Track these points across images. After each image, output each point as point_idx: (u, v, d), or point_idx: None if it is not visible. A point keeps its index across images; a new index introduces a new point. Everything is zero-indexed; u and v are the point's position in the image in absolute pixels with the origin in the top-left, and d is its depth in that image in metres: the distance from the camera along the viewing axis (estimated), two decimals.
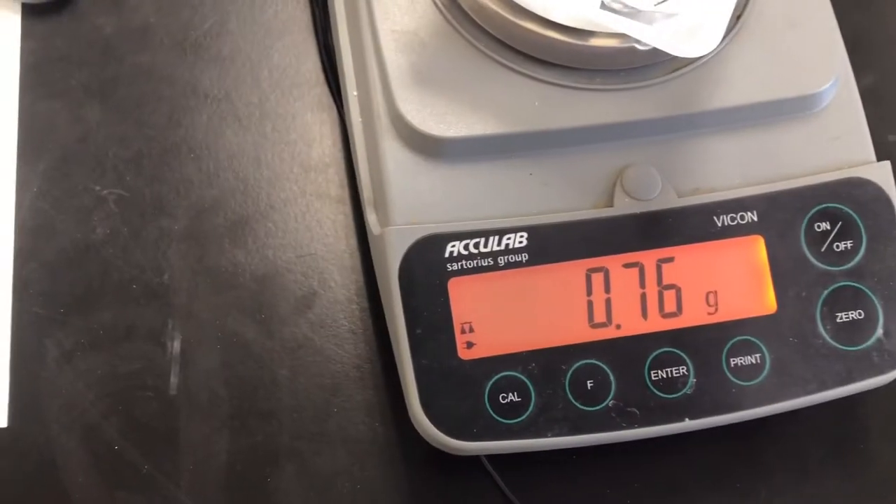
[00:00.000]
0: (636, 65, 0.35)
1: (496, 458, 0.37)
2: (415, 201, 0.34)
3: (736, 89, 0.35)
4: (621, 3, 0.33)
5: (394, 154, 0.34)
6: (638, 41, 0.31)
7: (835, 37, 0.36)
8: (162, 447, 0.38)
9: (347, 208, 0.42)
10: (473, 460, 0.38)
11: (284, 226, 0.41)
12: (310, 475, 0.38)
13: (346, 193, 0.42)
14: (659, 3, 0.33)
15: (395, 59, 0.35)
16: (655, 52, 0.34)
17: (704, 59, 0.35)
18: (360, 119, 0.36)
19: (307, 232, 0.41)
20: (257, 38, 0.45)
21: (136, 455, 0.38)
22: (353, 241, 0.41)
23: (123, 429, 0.38)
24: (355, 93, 0.37)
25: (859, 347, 0.35)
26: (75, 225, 0.41)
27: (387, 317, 0.35)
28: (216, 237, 0.41)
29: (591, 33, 0.34)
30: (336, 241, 0.41)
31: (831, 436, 0.39)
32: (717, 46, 0.35)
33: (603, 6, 0.34)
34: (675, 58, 0.35)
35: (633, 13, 0.33)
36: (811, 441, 0.38)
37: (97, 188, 0.42)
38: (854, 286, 0.35)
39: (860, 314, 0.35)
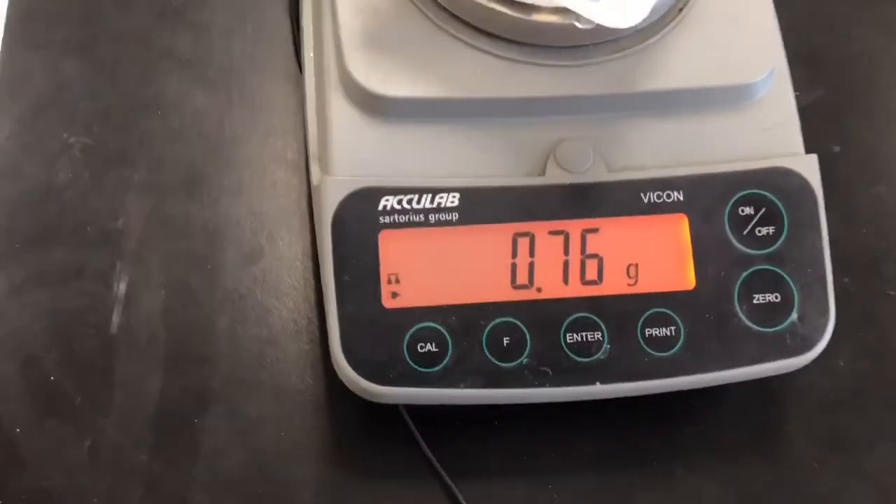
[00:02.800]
0: (578, 43, 0.36)
1: (418, 418, 0.38)
2: (355, 156, 0.36)
3: (673, 75, 0.37)
4: None
5: (340, 110, 0.36)
6: (571, 12, 0.33)
7: (772, 32, 0.38)
8: (96, 382, 0.39)
9: (302, 173, 0.43)
10: (398, 419, 0.39)
11: (239, 184, 0.43)
12: (236, 419, 0.39)
13: (301, 159, 0.44)
14: None
15: (349, 23, 0.36)
16: (596, 32, 0.35)
17: (645, 45, 0.37)
18: (313, 79, 0.38)
19: (261, 192, 0.43)
20: (235, 9, 0.47)
21: (71, 387, 0.39)
22: (304, 204, 0.43)
23: (62, 361, 0.39)
24: (311, 54, 0.38)
25: (774, 329, 0.36)
26: (40, 168, 0.43)
27: (320, 264, 0.36)
28: (172, 189, 0.43)
29: (533, 8, 0.35)
30: (288, 203, 0.43)
31: (750, 421, 0.39)
32: (658, 35, 0.37)
33: None
34: (617, 40, 0.37)
35: None
36: (730, 424, 0.39)
37: (65, 135, 0.43)
38: (773, 270, 0.36)
39: (777, 297, 0.36)
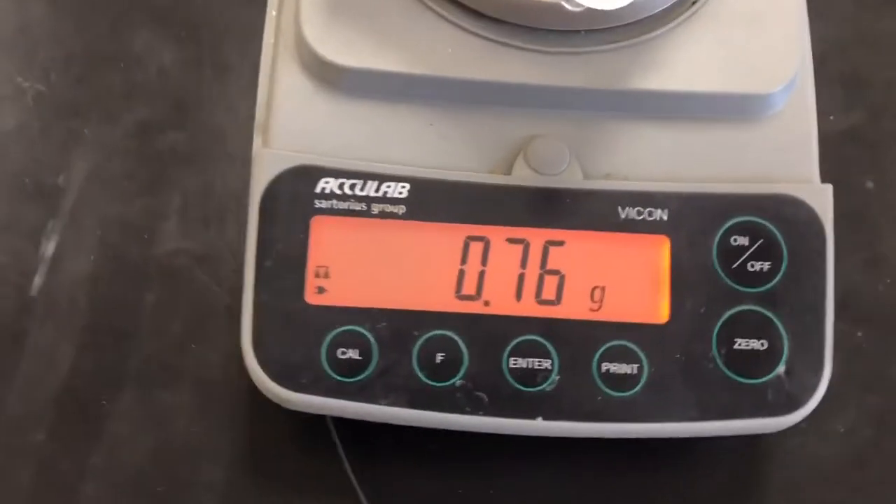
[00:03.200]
0: (567, 27, 0.32)
1: (349, 428, 0.34)
2: (300, 128, 0.32)
3: (673, 75, 0.32)
4: None
5: (289, 76, 0.32)
6: None
7: (797, 39, 0.33)
8: (6, 346, 0.36)
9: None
10: (322, 429, 0.35)
11: (195, 151, 0.39)
12: (148, 407, 0.35)
13: None
14: None
15: None
16: (589, 17, 0.31)
17: (647, 38, 0.32)
18: (271, 39, 0.34)
19: (217, 161, 0.39)
20: None
21: None
22: None
23: None
24: (274, 13, 0.35)
25: (754, 381, 0.30)
26: None
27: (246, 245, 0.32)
28: (122, 150, 0.39)
29: None
30: (245, 175, 0.38)
31: (727, 479, 0.34)
32: (664, 28, 0.32)
33: None
34: (614, 29, 0.32)
35: None
36: (703, 480, 0.34)
37: (20, 80, 0.40)
38: (762, 313, 0.31)
39: (763, 345, 0.31)
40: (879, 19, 0.43)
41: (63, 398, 0.35)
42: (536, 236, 0.31)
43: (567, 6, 0.30)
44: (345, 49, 0.32)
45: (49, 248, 0.37)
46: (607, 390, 0.30)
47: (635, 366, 0.30)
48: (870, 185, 0.40)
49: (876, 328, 0.37)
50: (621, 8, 0.30)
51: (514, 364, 0.30)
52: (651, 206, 0.31)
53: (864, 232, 0.39)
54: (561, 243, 0.31)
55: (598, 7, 0.28)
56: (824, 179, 0.37)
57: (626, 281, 0.31)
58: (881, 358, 0.37)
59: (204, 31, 0.42)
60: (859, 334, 0.37)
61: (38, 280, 0.37)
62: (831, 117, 0.41)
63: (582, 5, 0.30)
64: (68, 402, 0.35)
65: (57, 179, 0.38)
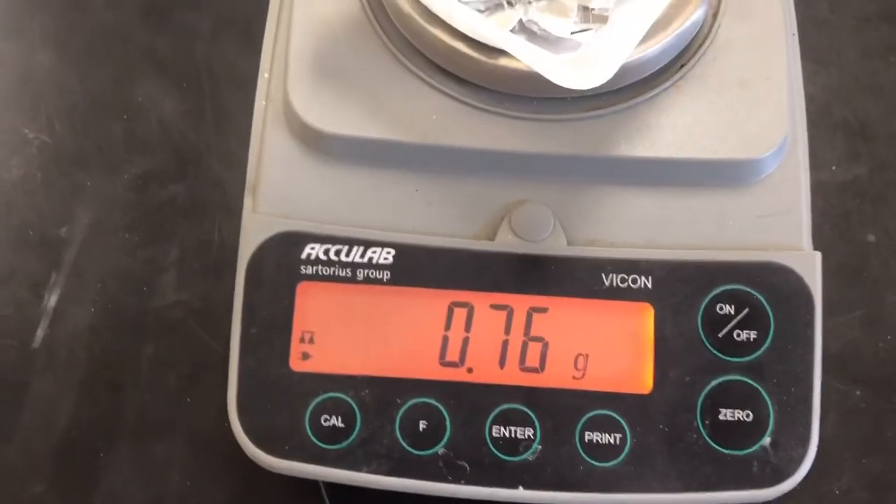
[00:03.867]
0: (552, 95, 0.32)
1: (342, 491, 0.34)
2: (287, 192, 0.32)
3: (660, 141, 0.32)
4: (537, 25, 0.31)
5: (277, 140, 0.32)
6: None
7: (787, 102, 0.32)
8: (7, 398, 0.36)
9: None
10: (313, 486, 0.35)
11: (192, 201, 0.40)
12: (143, 460, 0.36)
13: None
14: (575, 32, 0.30)
15: (300, 44, 0.33)
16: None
17: (633, 104, 0.32)
18: (263, 103, 0.35)
19: (215, 216, 0.40)
20: (224, 12, 0.44)
21: None
22: None
23: None
24: (266, 75, 0.35)
25: (739, 453, 0.30)
26: None
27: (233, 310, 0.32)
28: (123, 200, 0.40)
29: (500, 51, 0.31)
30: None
31: None
32: (650, 93, 0.32)
33: (521, 27, 0.31)
34: (600, 95, 0.32)
35: (548, 37, 0.31)
36: None
37: (26, 131, 0.41)
38: (748, 383, 0.31)
39: (748, 416, 0.30)
40: (884, 68, 0.42)
41: (62, 447, 0.36)
42: (520, 303, 0.31)
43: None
44: (331, 116, 0.32)
45: (52, 300, 0.38)
46: (589, 460, 0.30)
47: (618, 436, 0.30)
48: (871, 238, 0.39)
49: (874, 388, 0.37)
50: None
51: (497, 433, 0.30)
52: (635, 274, 0.31)
53: (863, 287, 0.38)
54: (544, 310, 0.31)
55: (574, 87, 0.28)
56: (824, 232, 0.36)
57: (610, 349, 0.31)
58: (879, 418, 0.37)
59: (205, 80, 0.42)
60: (857, 393, 0.37)
61: (40, 332, 0.38)
62: (833, 168, 0.41)
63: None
64: (67, 451, 0.36)
65: (60, 231, 0.39)
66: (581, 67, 0.28)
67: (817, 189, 0.37)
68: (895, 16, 0.44)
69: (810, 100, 0.40)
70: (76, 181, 0.40)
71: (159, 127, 0.41)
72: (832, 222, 0.39)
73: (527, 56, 0.28)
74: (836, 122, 0.42)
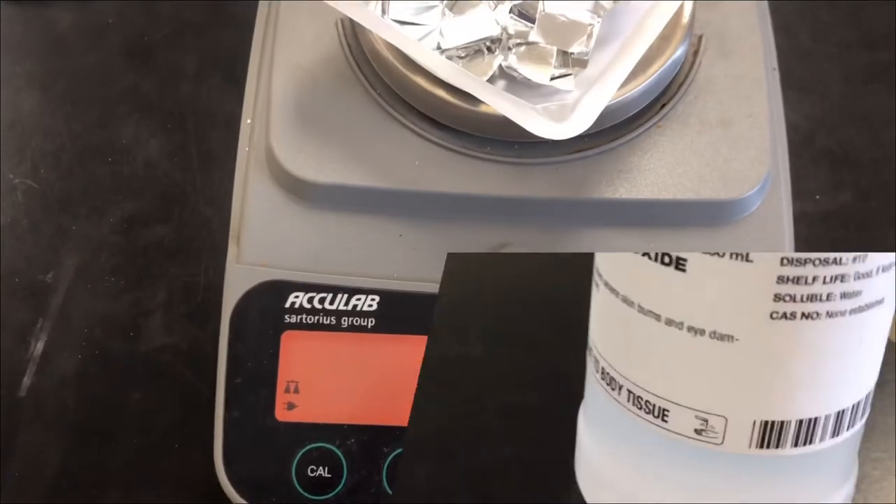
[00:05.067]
0: (532, 139, 0.31)
1: None
2: (270, 240, 0.32)
3: (642, 183, 0.32)
4: (516, 72, 0.31)
5: (260, 188, 0.32)
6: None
7: (767, 141, 0.32)
8: None
9: None
10: None
11: (180, 247, 0.40)
12: None
13: None
14: (555, 78, 0.31)
15: (282, 90, 0.33)
16: None
17: (614, 146, 0.32)
18: (245, 149, 0.35)
19: (199, 259, 0.40)
20: (209, 53, 0.44)
21: None
22: None
23: None
24: (249, 121, 0.35)
25: None
26: None
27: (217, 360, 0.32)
28: (109, 244, 0.40)
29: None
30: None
31: None
32: (631, 135, 0.32)
33: (501, 72, 0.32)
34: (582, 137, 0.32)
35: (529, 84, 0.31)
36: None
37: (11, 176, 0.41)
38: None
39: None
40: (867, 95, 0.42)
41: (51, 498, 0.36)
42: None
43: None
44: (314, 163, 0.32)
45: (38, 347, 0.38)
46: None
47: None
48: None
49: None
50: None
51: None
52: None
53: None
54: None
55: (548, 137, 0.28)
56: None
57: None
58: None
59: (190, 121, 0.42)
60: None
61: (27, 380, 0.38)
62: (818, 197, 0.41)
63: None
64: (56, 502, 0.36)
65: (46, 276, 0.39)
66: (559, 117, 0.28)
67: (801, 219, 0.37)
68: (876, 43, 0.44)
69: (794, 129, 0.41)
70: (62, 225, 0.40)
71: (145, 168, 0.41)
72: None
73: (504, 108, 0.28)
74: (819, 150, 0.42)
